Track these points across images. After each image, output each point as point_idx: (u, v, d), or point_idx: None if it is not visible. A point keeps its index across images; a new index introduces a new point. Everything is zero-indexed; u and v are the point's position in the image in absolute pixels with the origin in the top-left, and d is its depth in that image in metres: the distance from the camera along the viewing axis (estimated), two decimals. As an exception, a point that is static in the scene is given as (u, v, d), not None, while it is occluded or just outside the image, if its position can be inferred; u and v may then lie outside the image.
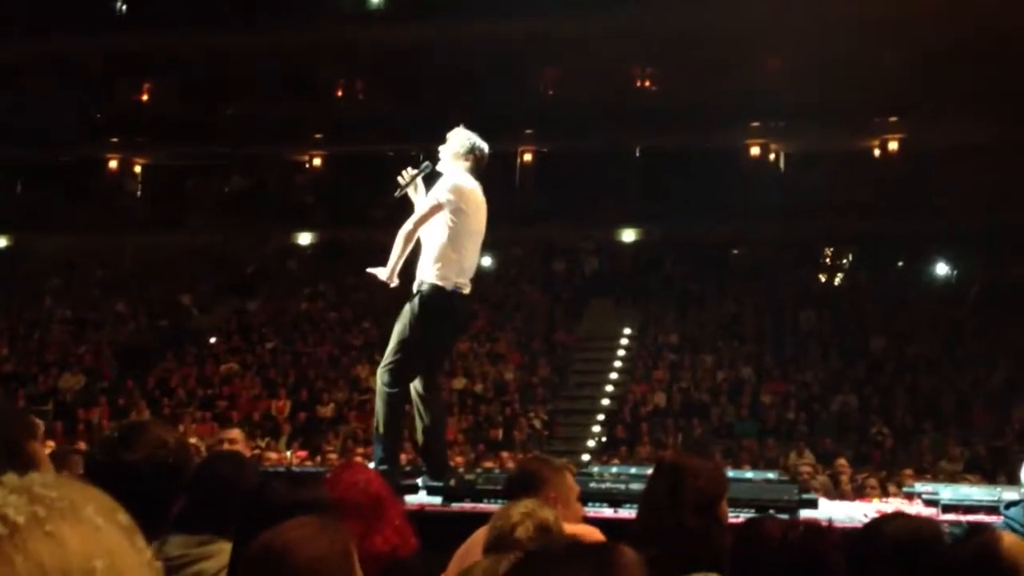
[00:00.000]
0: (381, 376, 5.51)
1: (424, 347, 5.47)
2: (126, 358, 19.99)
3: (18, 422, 2.83)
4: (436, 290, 5.38)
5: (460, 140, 5.58)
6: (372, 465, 5.30)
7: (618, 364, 19.22)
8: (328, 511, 2.93)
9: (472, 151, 5.54)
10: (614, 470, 6.48)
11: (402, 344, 5.44)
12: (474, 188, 5.53)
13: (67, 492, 0.81)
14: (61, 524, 0.77)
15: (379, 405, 5.53)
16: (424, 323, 5.39)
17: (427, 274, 5.43)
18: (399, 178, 5.71)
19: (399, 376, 5.45)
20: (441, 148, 5.64)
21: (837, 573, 2.52)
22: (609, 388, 18.57)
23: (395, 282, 5.57)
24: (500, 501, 3.74)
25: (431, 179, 5.72)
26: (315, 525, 2.10)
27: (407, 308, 5.51)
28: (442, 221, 5.41)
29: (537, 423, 16.91)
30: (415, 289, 5.50)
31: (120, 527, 0.82)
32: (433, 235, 5.46)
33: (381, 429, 5.51)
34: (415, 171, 5.70)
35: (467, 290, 5.52)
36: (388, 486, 3.45)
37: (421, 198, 5.63)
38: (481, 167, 5.59)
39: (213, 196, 25.93)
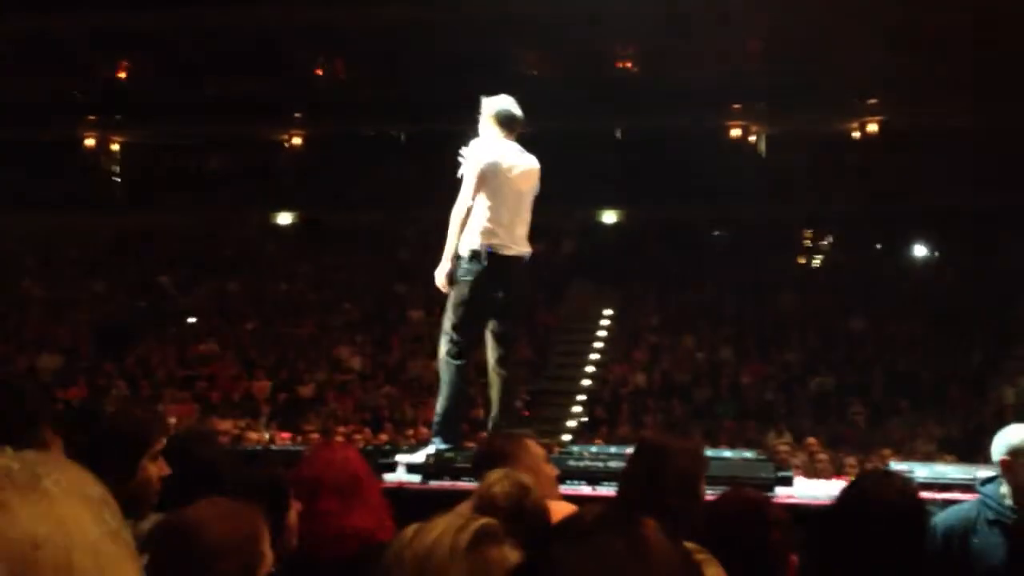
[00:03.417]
0: (441, 351, 5.62)
1: (469, 314, 5.52)
2: (105, 338, 19.89)
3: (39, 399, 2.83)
4: (471, 254, 5.48)
5: (485, 108, 5.71)
6: (436, 442, 5.41)
7: (599, 345, 19.27)
8: (282, 489, 2.92)
9: (502, 115, 5.66)
10: (593, 449, 6.50)
11: (451, 312, 5.54)
12: (505, 150, 5.61)
13: (30, 465, 0.83)
14: (12, 495, 0.80)
15: (442, 380, 5.62)
16: (463, 288, 5.49)
17: (466, 240, 5.52)
18: (459, 159, 5.76)
19: (455, 345, 5.53)
20: (479, 127, 5.77)
21: (769, 548, 2.59)
22: (590, 369, 18.62)
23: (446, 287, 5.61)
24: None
25: None
26: (225, 506, 2.10)
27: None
28: (481, 191, 5.52)
29: (518, 403, 16.92)
30: (459, 256, 5.58)
31: (83, 498, 0.84)
32: (465, 204, 5.55)
33: (439, 401, 5.60)
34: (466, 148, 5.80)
35: (512, 251, 5.55)
36: (367, 465, 3.44)
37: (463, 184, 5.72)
38: (512, 127, 5.69)
39: (192, 175, 25.78)
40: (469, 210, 5.48)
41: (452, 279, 5.52)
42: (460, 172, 5.71)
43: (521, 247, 5.63)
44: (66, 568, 0.79)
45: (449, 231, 5.53)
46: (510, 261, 5.56)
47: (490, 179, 5.50)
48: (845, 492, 3.06)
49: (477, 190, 5.48)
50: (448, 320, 5.57)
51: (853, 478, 6.56)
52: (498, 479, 2.74)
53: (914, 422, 15.44)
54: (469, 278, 5.48)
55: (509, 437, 3.66)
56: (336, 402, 16.93)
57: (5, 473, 0.81)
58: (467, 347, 5.58)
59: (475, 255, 5.48)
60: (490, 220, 5.49)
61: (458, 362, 5.54)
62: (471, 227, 5.50)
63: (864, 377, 17.16)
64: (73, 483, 0.85)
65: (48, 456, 0.87)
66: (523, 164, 5.67)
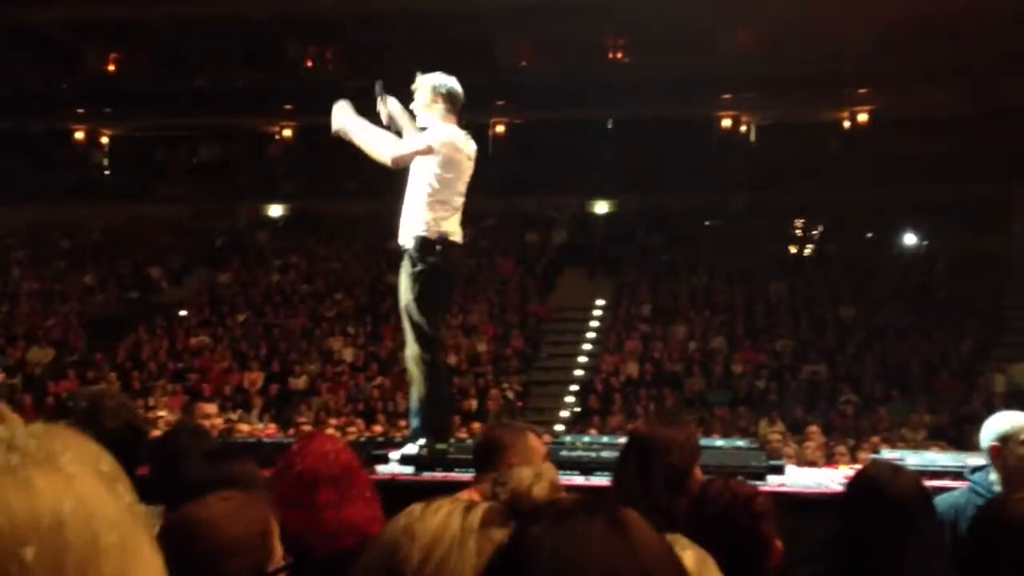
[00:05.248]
0: (414, 346, 5.37)
1: (432, 306, 5.38)
2: (95, 331, 19.84)
3: None
4: (424, 241, 5.29)
5: (426, 87, 5.43)
6: (421, 442, 5.28)
7: (591, 335, 19.29)
8: (252, 485, 2.91)
9: (440, 91, 5.40)
10: (586, 439, 6.51)
11: (415, 306, 5.34)
12: (461, 135, 5.41)
13: (47, 441, 0.83)
14: (34, 471, 0.79)
15: (416, 377, 5.40)
16: (425, 276, 5.30)
17: (414, 229, 5.32)
18: (379, 112, 5.60)
19: (427, 339, 5.34)
20: (412, 105, 5.50)
21: (757, 537, 2.60)
22: (582, 359, 18.64)
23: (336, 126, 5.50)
24: (471, 470, 3.74)
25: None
26: (237, 501, 2.06)
27: (403, 273, 5.42)
28: (429, 172, 5.30)
29: (510, 394, 16.95)
30: (404, 248, 5.39)
31: (99, 474, 0.84)
32: (418, 187, 5.34)
33: (421, 402, 5.41)
34: (379, 98, 5.60)
35: (457, 238, 5.41)
36: (357, 457, 3.43)
37: (408, 124, 5.51)
38: (457, 104, 5.44)
39: (182, 167, 25.72)
40: (405, 156, 5.29)
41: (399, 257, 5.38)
42: (384, 115, 5.55)
43: (459, 234, 5.46)
44: (92, 544, 0.78)
45: (376, 140, 5.38)
46: (457, 249, 5.45)
47: (444, 163, 5.28)
48: (855, 480, 3.09)
49: (424, 158, 5.27)
50: (414, 316, 5.35)
51: (846, 466, 6.59)
52: (535, 479, 2.68)
53: (905, 410, 15.49)
54: (424, 267, 5.29)
55: (510, 428, 3.61)
56: (328, 394, 16.92)
57: (23, 451, 0.81)
58: (437, 340, 5.45)
59: (428, 244, 5.28)
60: (444, 206, 5.30)
61: (431, 357, 5.37)
62: (422, 215, 5.29)
63: (855, 365, 17.21)
64: (89, 459, 0.84)
65: (61, 430, 0.86)
66: (473, 147, 5.47)
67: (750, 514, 2.64)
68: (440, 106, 5.39)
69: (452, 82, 5.46)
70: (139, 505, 0.87)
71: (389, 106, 5.60)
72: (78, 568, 0.77)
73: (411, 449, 5.19)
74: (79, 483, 0.81)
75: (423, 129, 5.47)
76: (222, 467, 3.00)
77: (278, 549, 2.07)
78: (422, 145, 5.29)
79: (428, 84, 5.43)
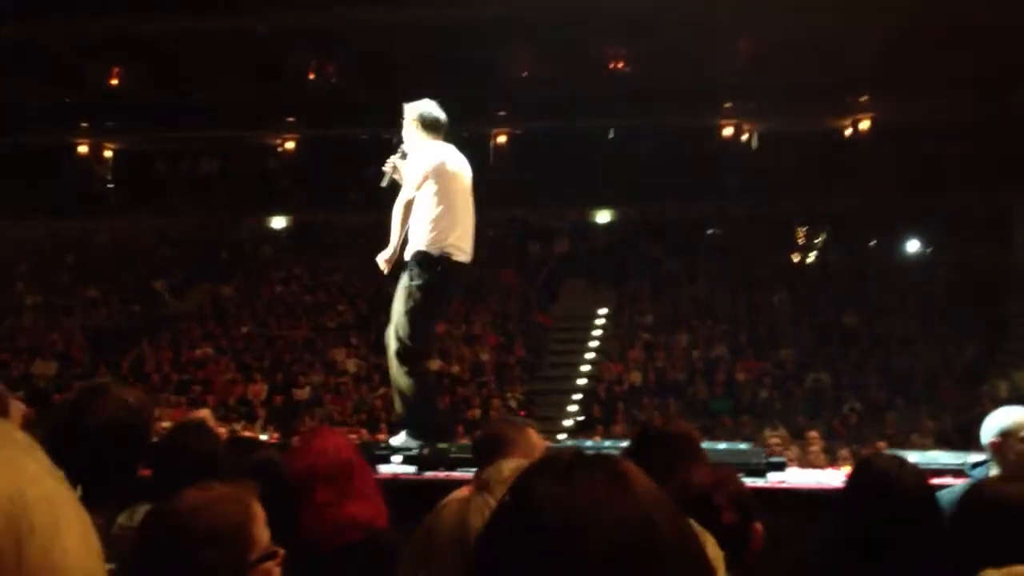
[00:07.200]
0: (395, 359, 5.45)
1: (424, 321, 5.44)
2: (99, 344, 19.88)
3: None
4: (425, 256, 5.39)
5: (412, 115, 5.63)
6: (410, 446, 5.31)
7: (594, 344, 19.29)
8: (276, 474, 2.91)
9: (426, 119, 5.60)
10: (589, 444, 6.53)
11: (405, 319, 5.40)
12: (449, 152, 5.57)
13: None
14: None
15: (402, 386, 5.45)
16: (421, 292, 5.38)
17: (417, 243, 5.43)
18: (384, 168, 5.72)
19: (412, 352, 5.41)
20: (403, 133, 5.69)
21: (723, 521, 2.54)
22: (585, 368, 18.64)
23: (387, 269, 5.59)
24: (472, 469, 3.75)
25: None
26: (214, 493, 2.04)
27: (402, 283, 5.49)
28: (427, 192, 5.44)
29: (514, 403, 16.96)
30: (405, 260, 5.49)
31: (17, 445, 0.87)
32: (421, 206, 5.47)
33: (408, 410, 5.45)
34: (395, 156, 5.72)
35: (461, 257, 5.49)
36: (357, 450, 3.45)
37: (405, 179, 5.68)
38: (437, 130, 5.63)
39: (185, 180, 25.76)
40: (410, 203, 5.43)
41: (399, 268, 5.46)
42: (386, 179, 5.67)
43: (468, 254, 5.57)
44: (21, 507, 0.81)
45: (393, 222, 5.51)
46: (459, 267, 5.52)
47: (438, 179, 5.42)
48: (860, 473, 3.09)
49: (422, 187, 5.41)
50: (402, 328, 5.42)
51: (849, 467, 6.59)
52: (512, 474, 2.67)
53: (908, 417, 15.47)
54: (421, 283, 5.37)
55: (512, 424, 3.62)
56: (332, 404, 16.94)
57: None
58: (425, 353, 5.55)
59: (429, 260, 5.37)
60: (444, 224, 5.41)
61: (419, 369, 5.46)
62: (425, 230, 5.41)
63: (858, 373, 17.20)
64: (2, 432, 0.87)
65: None
66: (465, 165, 5.64)
67: (681, 485, 2.54)
68: (421, 133, 5.61)
69: (434, 110, 5.66)
70: (58, 469, 0.89)
71: (398, 166, 5.72)
72: (8, 514, 0.80)
73: (409, 443, 5.22)
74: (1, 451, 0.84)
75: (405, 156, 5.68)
76: (245, 456, 3.01)
77: (262, 539, 2.05)
78: (416, 183, 5.45)
79: (410, 112, 5.65)
